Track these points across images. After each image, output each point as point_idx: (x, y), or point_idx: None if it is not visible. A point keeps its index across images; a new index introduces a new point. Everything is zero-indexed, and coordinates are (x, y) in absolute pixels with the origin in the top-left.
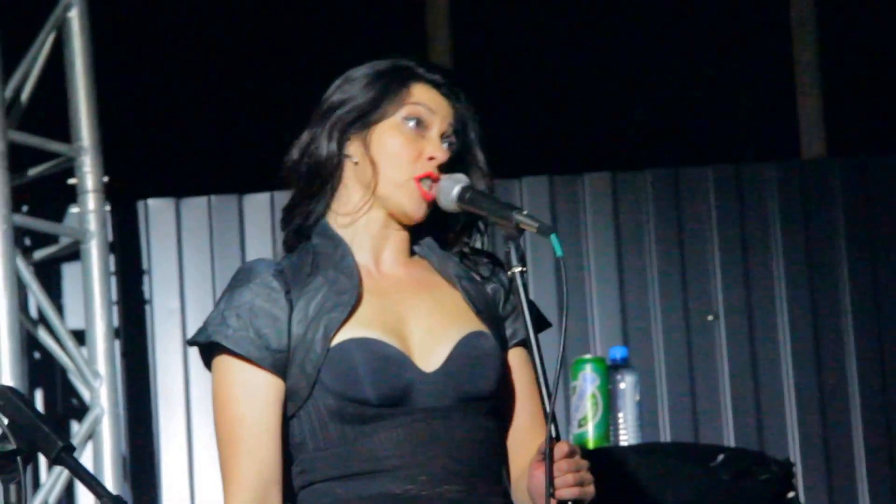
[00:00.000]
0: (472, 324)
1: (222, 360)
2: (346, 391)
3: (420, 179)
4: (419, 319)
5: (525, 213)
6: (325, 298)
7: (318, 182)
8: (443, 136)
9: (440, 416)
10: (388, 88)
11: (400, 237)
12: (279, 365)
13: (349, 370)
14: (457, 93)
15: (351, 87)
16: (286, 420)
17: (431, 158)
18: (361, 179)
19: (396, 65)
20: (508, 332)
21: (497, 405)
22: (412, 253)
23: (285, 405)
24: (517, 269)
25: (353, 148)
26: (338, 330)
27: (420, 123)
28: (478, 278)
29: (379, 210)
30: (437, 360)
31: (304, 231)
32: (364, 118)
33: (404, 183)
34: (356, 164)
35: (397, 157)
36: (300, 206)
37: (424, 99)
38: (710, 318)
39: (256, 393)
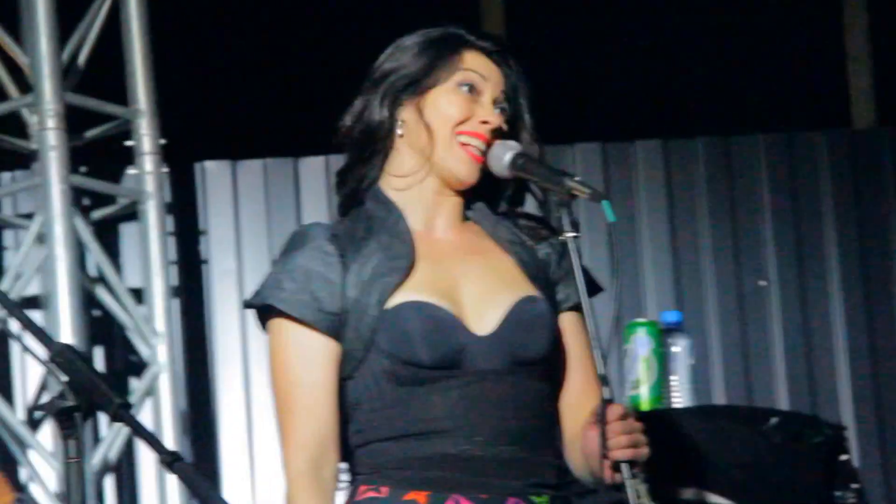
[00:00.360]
0: (525, 288)
1: (277, 323)
2: (401, 353)
3: (470, 142)
4: (472, 283)
5: (577, 178)
6: (380, 263)
7: (371, 147)
8: (495, 102)
9: (493, 378)
10: (441, 55)
11: (453, 202)
12: (334, 327)
13: (403, 333)
14: (507, 60)
15: (403, 55)
16: (342, 381)
17: (484, 122)
18: (415, 145)
19: (447, 32)
20: (560, 296)
21: (549, 369)
22: (465, 218)
23: (341, 367)
24: (570, 235)
25: (406, 114)
26: (392, 294)
27: (473, 89)
28: (529, 243)
29: (433, 175)
30: (491, 323)
31: (357, 195)
32: (417, 84)
33: (455, 146)
34: (409, 129)
35: (451, 120)
36: (353, 171)
37: (476, 66)
38: (761, 283)
39: (312, 355)
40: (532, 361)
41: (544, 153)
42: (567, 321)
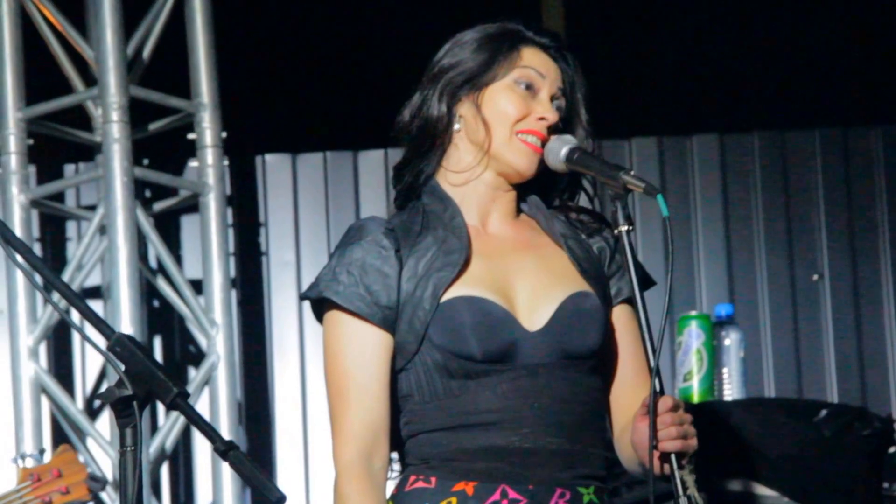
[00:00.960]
0: (577, 283)
1: (333, 315)
2: (453, 347)
3: (528, 137)
4: (524, 279)
5: (632, 173)
6: (435, 257)
7: (429, 142)
8: (552, 99)
9: (543, 372)
10: (499, 51)
11: (508, 198)
12: (388, 320)
13: (456, 327)
14: (565, 56)
15: (461, 51)
16: (395, 373)
17: (541, 119)
18: (473, 140)
19: (506, 28)
20: (613, 290)
21: (600, 363)
22: (520, 212)
23: (394, 359)
24: (624, 228)
25: (464, 109)
26: (447, 288)
27: (530, 86)
28: (583, 237)
29: (490, 170)
30: (542, 319)
31: (414, 189)
32: (475, 80)
33: (513, 140)
34: (467, 125)
35: (509, 118)
36: (411, 165)
37: (534, 62)
38: (814, 277)
39: (365, 347)
40: (582, 356)
41: (600, 148)
42: (619, 314)
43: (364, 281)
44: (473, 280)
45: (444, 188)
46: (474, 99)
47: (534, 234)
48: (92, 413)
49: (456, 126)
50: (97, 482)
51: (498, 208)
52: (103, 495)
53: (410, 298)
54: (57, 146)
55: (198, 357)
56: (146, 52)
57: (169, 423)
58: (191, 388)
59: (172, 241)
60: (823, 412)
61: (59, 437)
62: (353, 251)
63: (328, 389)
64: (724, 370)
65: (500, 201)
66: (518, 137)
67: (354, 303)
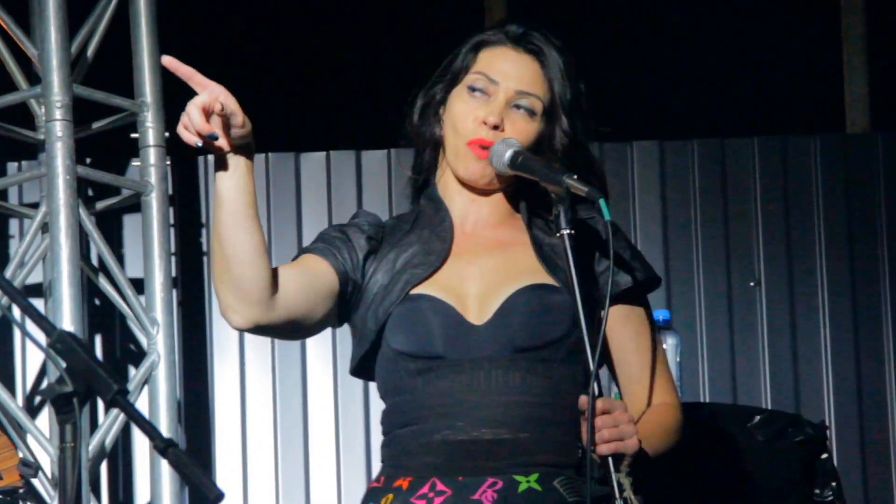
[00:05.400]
0: (537, 278)
1: None
2: (402, 344)
3: (472, 144)
4: (480, 276)
5: (575, 177)
6: (414, 255)
7: (423, 147)
8: (508, 102)
9: (487, 366)
10: (464, 58)
11: (487, 201)
12: (342, 275)
13: (407, 324)
14: (542, 54)
15: (451, 58)
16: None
17: (484, 123)
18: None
19: (483, 33)
20: (599, 293)
21: (565, 355)
22: (516, 212)
23: (340, 305)
24: (565, 232)
25: (444, 115)
26: (416, 286)
27: (483, 91)
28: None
29: (456, 177)
30: (489, 312)
31: (418, 191)
32: (447, 89)
33: (461, 148)
34: (444, 130)
35: (455, 125)
36: (415, 167)
37: (490, 65)
38: (751, 284)
39: (312, 264)
40: (533, 347)
41: (578, 146)
42: (614, 314)
43: (335, 244)
44: (436, 280)
45: (438, 190)
46: (444, 109)
47: (513, 232)
48: (32, 410)
49: (438, 131)
50: (29, 467)
51: (476, 210)
52: (35, 482)
53: (382, 290)
54: None
55: (138, 355)
56: (90, 51)
57: (109, 421)
58: (131, 386)
59: (114, 239)
60: (757, 418)
61: None
62: (336, 227)
63: None
64: None
65: (478, 204)
66: (466, 146)
67: (320, 251)
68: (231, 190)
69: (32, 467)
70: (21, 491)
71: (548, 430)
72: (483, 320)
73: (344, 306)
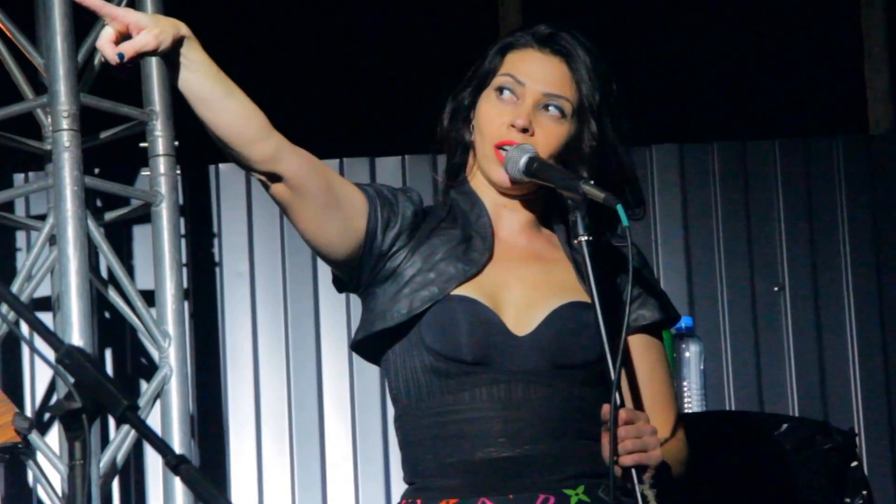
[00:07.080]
0: (578, 295)
1: None
2: (440, 344)
3: (499, 147)
4: (520, 286)
5: (591, 182)
6: (456, 247)
7: (454, 152)
8: (536, 104)
9: (525, 379)
10: (491, 60)
11: (513, 206)
12: (371, 222)
13: (446, 324)
14: (570, 56)
15: (478, 62)
16: (380, 352)
17: (513, 126)
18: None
19: (511, 35)
20: (633, 316)
21: (597, 375)
22: (548, 225)
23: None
24: (583, 238)
25: (474, 118)
26: (457, 284)
27: (511, 92)
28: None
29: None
30: (531, 324)
31: (447, 189)
32: (475, 93)
33: (488, 151)
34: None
35: (483, 128)
36: (448, 169)
37: (518, 67)
38: (775, 289)
39: (348, 188)
40: (573, 366)
41: (606, 148)
42: (635, 342)
43: (384, 194)
44: (480, 283)
45: (473, 188)
46: (473, 113)
47: (548, 247)
48: (41, 426)
49: (468, 136)
50: (25, 423)
51: (508, 216)
52: (45, 498)
53: (420, 275)
54: (6, 155)
55: (150, 369)
56: (97, 60)
57: (120, 437)
58: (142, 401)
59: (124, 251)
60: (784, 426)
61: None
62: (385, 187)
63: None
64: (685, 383)
65: (510, 208)
66: (495, 149)
67: (371, 194)
68: (184, 83)
69: (29, 422)
70: (20, 446)
71: (585, 442)
72: (524, 332)
73: (359, 262)
